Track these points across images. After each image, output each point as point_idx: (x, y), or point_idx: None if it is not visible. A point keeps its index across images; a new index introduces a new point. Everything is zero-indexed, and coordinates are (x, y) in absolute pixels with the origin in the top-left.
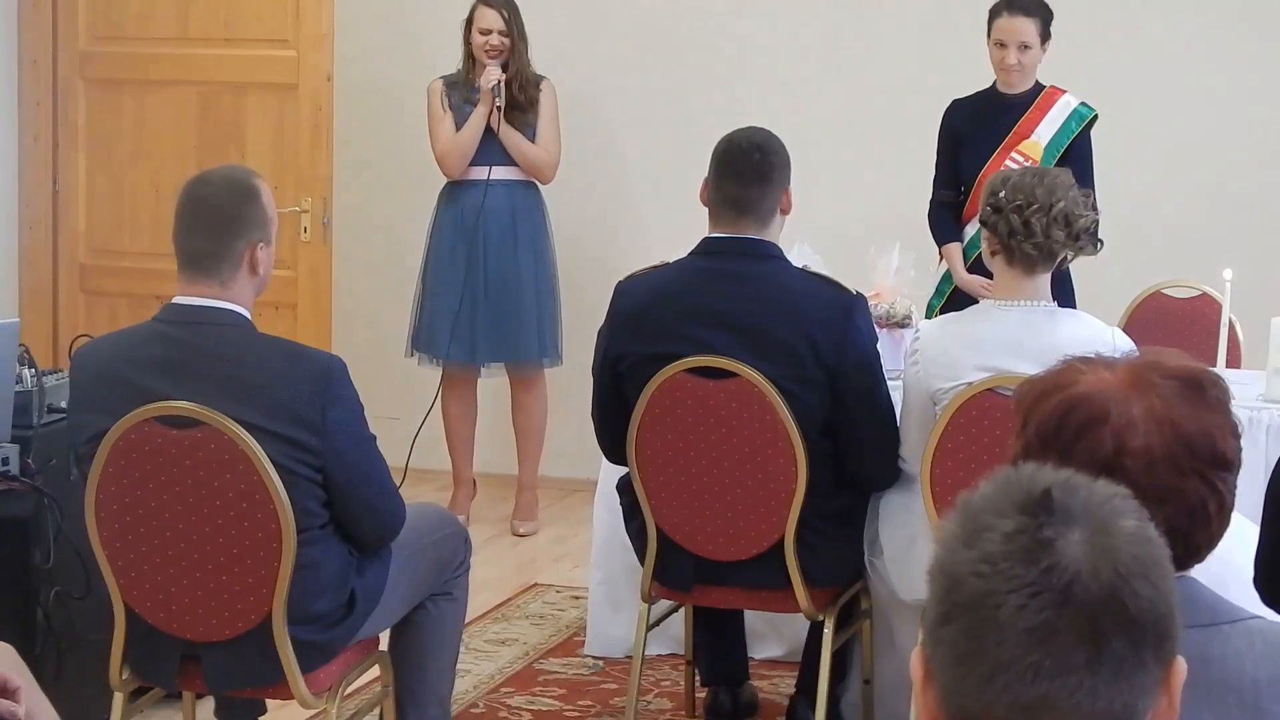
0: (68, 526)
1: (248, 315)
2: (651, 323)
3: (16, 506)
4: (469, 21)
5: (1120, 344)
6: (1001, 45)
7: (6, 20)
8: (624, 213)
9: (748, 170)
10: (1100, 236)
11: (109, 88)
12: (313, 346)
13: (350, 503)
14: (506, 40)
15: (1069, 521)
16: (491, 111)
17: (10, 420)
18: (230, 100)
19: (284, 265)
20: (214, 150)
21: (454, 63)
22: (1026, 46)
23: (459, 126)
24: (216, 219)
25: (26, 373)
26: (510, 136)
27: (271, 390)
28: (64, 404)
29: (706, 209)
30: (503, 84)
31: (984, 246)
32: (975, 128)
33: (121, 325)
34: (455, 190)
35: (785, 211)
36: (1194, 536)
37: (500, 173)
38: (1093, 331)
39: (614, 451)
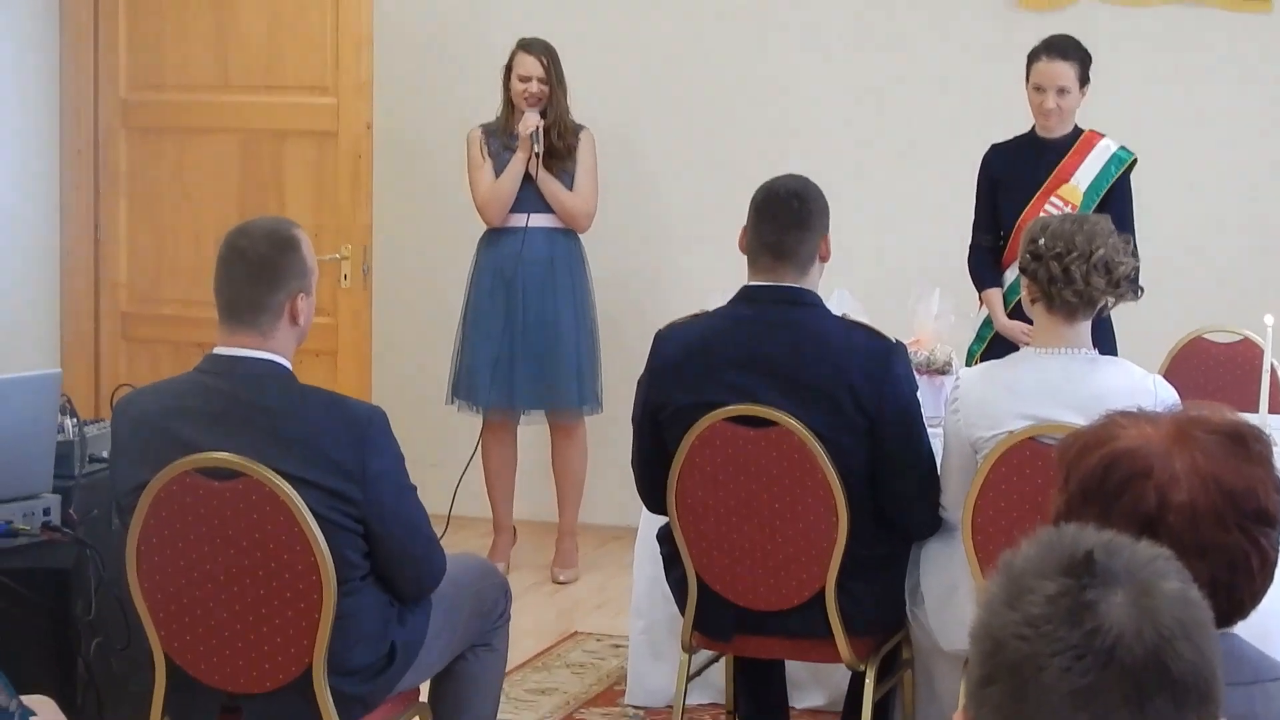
0: (109, 577)
1: (289, 365)
2: (691, 371)
3: (58, 557)
4: (508, 68)
5: (1162, 392)
6: (1039, 89)
7: (48, 69)
8: (663, 260)
9: (786, 218)
10: (1141, 283)
11: (150, 136)
12: (353, 396)
13: (391, 553)
14: (546, 87)
15: (1112, 584)
16: (530, 158)
17: (52, 471)
18: (270, 147)
19: (324, 312)
20: (254, 197)
21: (493, 110)
22: (1064, 91)
23: (498, 174)
24: (257, 270)
25: (68, 423)
26: (548, 184)
27: (312, 441)
28: (105, 454)
29: (745, 256)
30: (541, 130)
31: (1024, 294)
32: (1014, 172)
33: (163, 372)
34: (494, 237)
35: (824, 259)
36: (1237, 592)
37: (539, 220)
38: (1134, 380)
39: (654, 501)
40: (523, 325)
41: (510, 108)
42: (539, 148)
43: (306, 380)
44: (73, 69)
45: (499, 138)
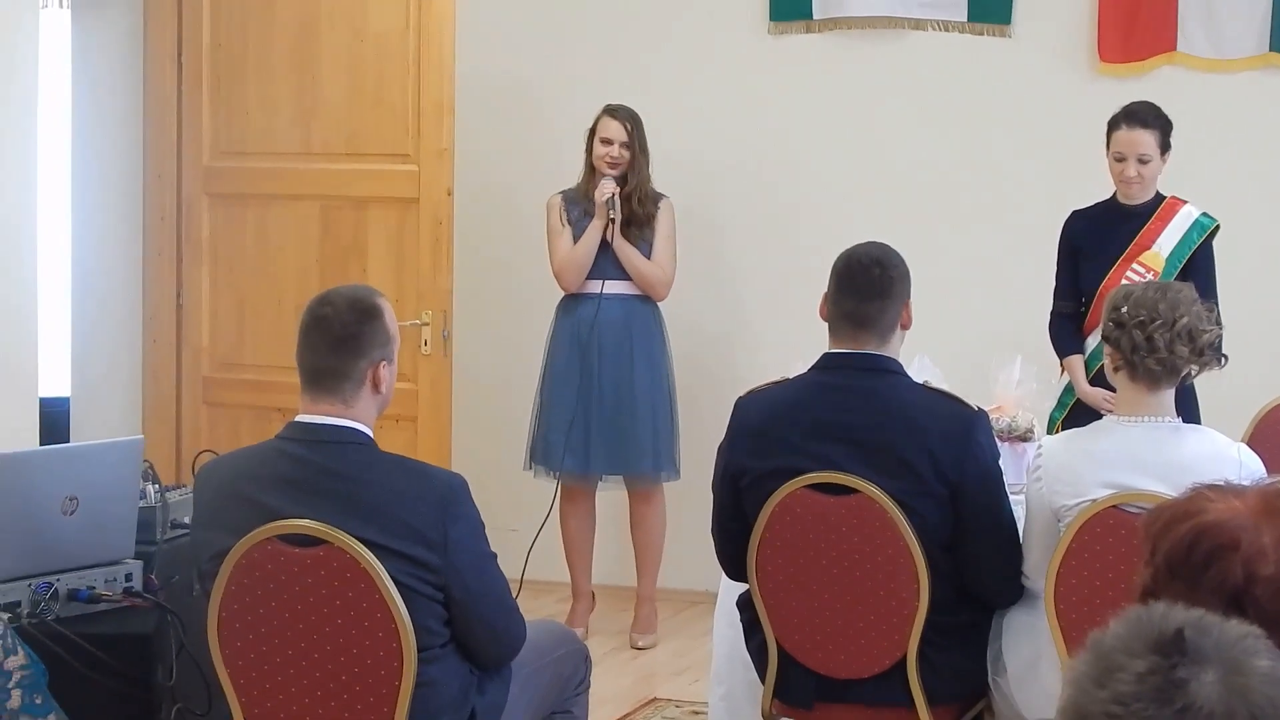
0: (190, 643)
1: (370, 434)
2: (771, 439)
3: (140, 623)
4: (592, 131)
5: (1247, 460)
6: (1120, 158)
7: (132, 136)
8: (742, 327)
9: (867, 285)
10: (1224, 351)
11: (232, 202)
12: (433, 462)
13: (471, 621)
14: (628, 152)
15: (1202, 662)
16: (607, 225)
17: (134, 536)
18: (351, 214)
19: (405, 378)
20: (335, 263)
21: (574, 176)
22: (1145, 159)
23: (577, 239)
24: (340, 338)
25: (150, 489)
26: (624, 251)
27: (393, 509)
28: (187, 519)
29: (826, 324)
30: (618, 197)
31: (1107, 362)
32: (1096, 239)
33: (244, 437)
34: (571, 303)
35: (906, 326)
36: None
37: (614, 286)
38: (1218, 448)
39: (734, 568)
40: (599, 391)
41: (591, 172)
42: (615, 215)
43: (386, 446)
44: (156, 136)
45: (579, 204)
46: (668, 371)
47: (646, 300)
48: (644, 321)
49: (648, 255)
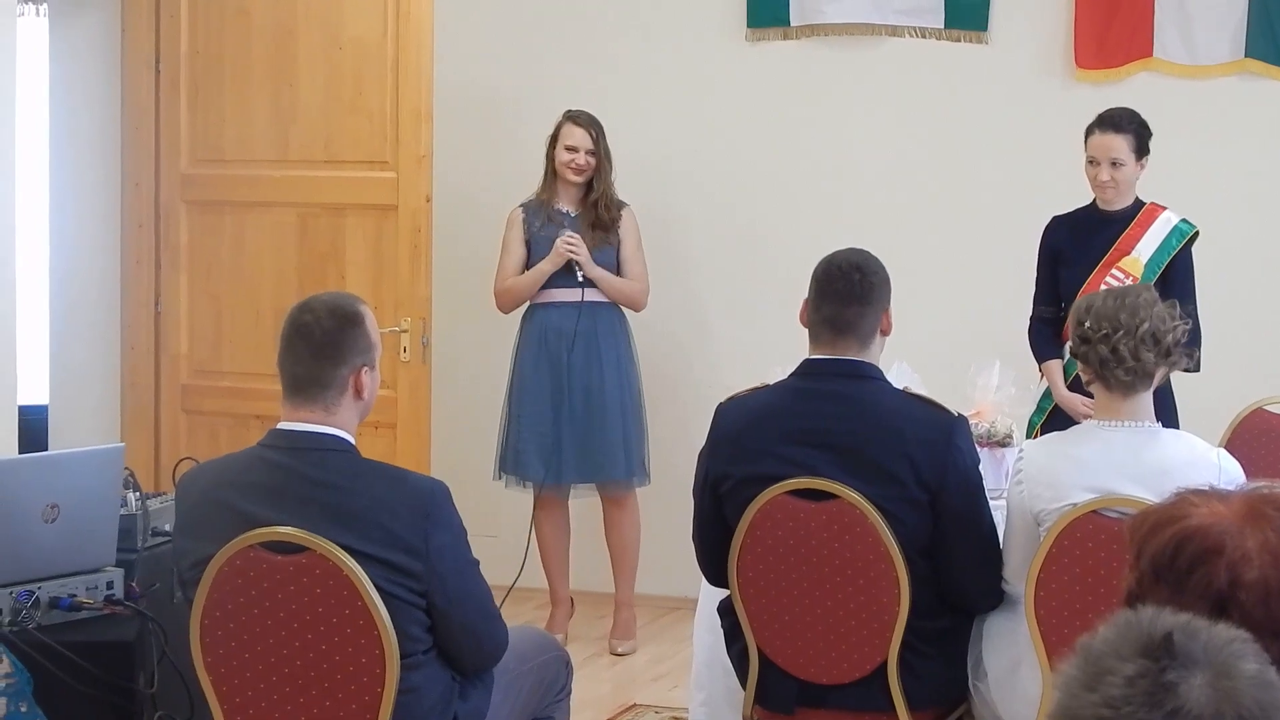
0: (171, 650)
1: (352, 440)
2: (751, 445)
3: (121, 630)
4: (554, 138)
5: (1225, 465)
6: (1094, 162)
7: (109, 144)
8: (714, 330)
9: (847, 291)
10: (1198, 356)
11: (210, 210)
12: (413, 468)
13: (453, 627)
14: (592, 159)
15: (1191, 665)
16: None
17: (115, 544)
18: (330, 221)
19: (384, 385)
20: (314, 271)
21: None
22: (1118, 164)
23: (537, 253)
24: (321, 345)
25: (131, 496)
26: (603, 282)
27: (374, 516)
28: (168, 526)
29: (806, 329)
30: (578, 265)
31: (1081, 375)
32: (1075, 244)
33: (222, 445)
34: (538, 312)
35: (885, 332)
36: None
37: (590, 294)
38: (1197, 453)
39: (715, 574)
40: (570, 400)
41: (553, 178)
42: (580, 271)
43: (366, 453)
44: (134, 143)
45: (540, 213)
46: (635, 376)
47: (612, 306)
48: (610, 327)
49: (614, 261)
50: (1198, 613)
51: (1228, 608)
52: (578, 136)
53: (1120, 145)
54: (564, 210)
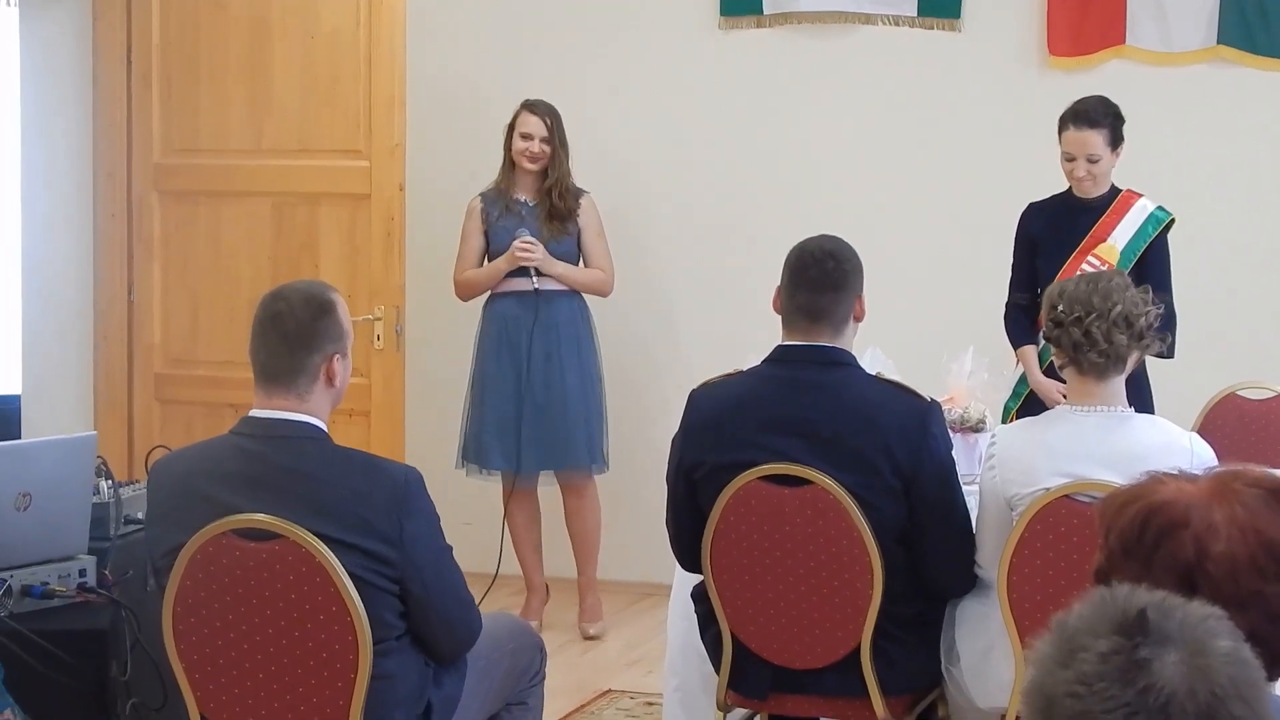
0: (145, 638)
1: (324, 428)
2: (725, 431)
3: (94, 618)
4: (511, 126)
5: (1198, 449)
6: (1070, 158)
7: (82, 134)
8: (679, 315)
9: (821, 278)
10: (1172, 341)
11: (183, 199)
12: (387, 456)
13: (427, 614)
14: (548, 147)
15: (1165, 642)
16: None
17: (88, 532)
18: (303, 210)
19: (358, 373)
20: (288, 260)
21: None
22: (1095, 159)
23: (495, 246)
24: (293, 333)
25: (104, 485)
26: (565, 276)
27: (348, 503)
28: (141, 515)
29: (779, 316)
30: (533, 269)
31: (1054, 359)
32: (1052, 231)
33: (197, 434)
34: (499, 302)
35: (859, 319)
36: (1277, 644)
37: (541, 283)
38: (1170, 437)
39: (689, 560)
40: (531, 389)
41: (511, 167)
42: (535, 278)
43: (340, 440)
44: (106, 133)
45: (498, 203)
46: (596, 364)
47: (573, 295)
48: (570, 316)
49: (574, 250)
50: (1166, 587)
51: (1196, 580)
52: (533, 124)
53: (1096, 140)
54: (522, 199)
